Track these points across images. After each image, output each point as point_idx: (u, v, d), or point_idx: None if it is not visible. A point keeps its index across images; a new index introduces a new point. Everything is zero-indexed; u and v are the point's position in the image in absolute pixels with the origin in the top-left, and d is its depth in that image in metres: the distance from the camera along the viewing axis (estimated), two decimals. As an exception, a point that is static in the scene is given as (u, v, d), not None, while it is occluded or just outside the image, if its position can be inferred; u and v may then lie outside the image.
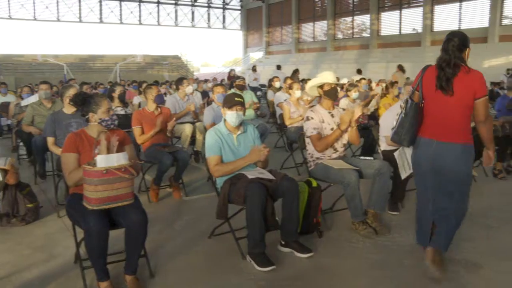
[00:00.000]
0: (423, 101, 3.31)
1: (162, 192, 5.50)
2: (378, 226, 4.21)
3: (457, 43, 3.26)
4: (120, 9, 36.50)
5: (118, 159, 2.95)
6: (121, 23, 36.98)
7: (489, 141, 3.35)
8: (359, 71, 18.60)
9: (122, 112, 6.55)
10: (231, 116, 3.89)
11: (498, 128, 6.49)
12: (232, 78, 12.99)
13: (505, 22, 24.15)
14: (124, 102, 7.02)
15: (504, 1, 23.70)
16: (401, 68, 14.88)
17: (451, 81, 3.17)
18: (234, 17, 42.10)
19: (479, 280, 3.39)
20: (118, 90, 6.89)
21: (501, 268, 3.56)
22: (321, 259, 3.68)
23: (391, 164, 4.53)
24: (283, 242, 3.79)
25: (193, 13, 40.04)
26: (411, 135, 3.33)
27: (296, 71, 15.95)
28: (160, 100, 5.66)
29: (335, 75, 4.62)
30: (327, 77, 4.47)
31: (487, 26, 24.04)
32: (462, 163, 3.24)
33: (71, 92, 5.23)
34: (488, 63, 22.05)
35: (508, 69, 18.04)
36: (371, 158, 4.71)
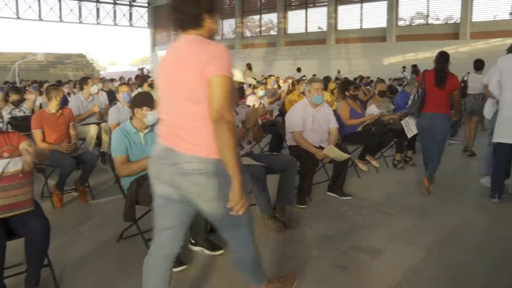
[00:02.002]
0: (425, 91, 5.42)
1: (68, 196, 5.28)
2: (287, 220, 4.32)
3: (445, 58, 5.38)
4: (17, 3, 34.25)
5: (14, 164, 2.78)
6: (18, 18, 34.75)
7: (458, 110, 5.97)
8: (298, 70, 19.05)
9: (21, 114, 6.20)
10: (154, 116, 3.80)
11: (396, 122, 6.90)
12: (140, 77, 12.71)
13: (401, 23, 25.85)
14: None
15: (399, 4, 25.32)
16: (249, 67, 15.45)
17: (445, 81, 5.31)
18: (141, 15, 41.19)
19: (381, 264, 3.59)
20: None
21: (401, 252, 3.80)
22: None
23: (298, 159, 4.67)
24: (193, 241, 3.79)
25: (98, 9, 38.66)
26: (419, 109, 5.50)
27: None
28: (62, 102, 5.41)
29: (239, 73, 4.66)
30: (236, 75, 4.50)
31: (385, 26, 25.52)
32: (446, 123, 5.46)
33: None
34: (387, 60, 23.42)
35: (404, 67, 19.20)
36: (279, 153, 4.81)
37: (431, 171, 5.56)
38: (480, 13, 22.73)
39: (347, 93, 6.62)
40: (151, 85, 8.16)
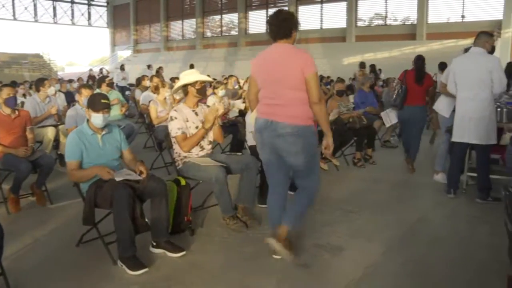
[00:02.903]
0: (407, 87, 6.50)
1: (24, 201, 5.11)
2: (248, 220, 4.33)
3: (422, 60, 6.56)
4: (-35, 0, 32.87)
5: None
6: (-33, 15, 33.32)
7: (432, 103, 6.60)
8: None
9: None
10: (97, 118, 3.75)
11: (355, 120, 7.02)
12: (93, 78, 12.49)
13: (360, 24, 26.32)
14: None
15: (358, 5, 25.77)
16: (158, 71, 15.60)
17: (423, 79, 6.47)
18: (100, 14, 40.38)
19: (342, 261, 3.67)
20: None
21: (362, 249, 3.90)
22: (194, 257, 3.70)
23: (259, 158, 4.68)
24: (154, 243, 3.75)
25: (54, 8, 37.55)
26: (402, 102, 6.56)
27: (159, 69, 15.80)
28: (11, 103, 5.15)
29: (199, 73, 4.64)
30: (197, 75, 4.47)
31: (345, 27, 25.92)
32: (424, 113, 6.68)
33: None
34: (347, 60, 23.75)
35: (363, 67, 19.48)
36: (240, 153, 4.82)
37: (414, 153, 6.79)
38: (435, 15, 23.41)
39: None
40: (109, 85, 8.00)
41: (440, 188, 5.64)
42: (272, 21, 3.47)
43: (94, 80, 16.94)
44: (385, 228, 4.38)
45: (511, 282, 2.87)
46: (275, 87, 3.41)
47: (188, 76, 4.42)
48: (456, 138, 5.23)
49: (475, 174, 5.34)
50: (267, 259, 3.65)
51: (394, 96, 6.73)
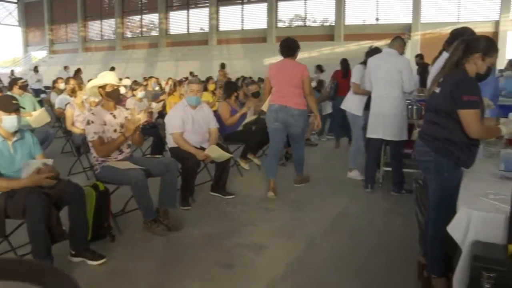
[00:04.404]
0: (338, 82, 8.33)
1: None
2: (171, 223, 4.28)
3: (347, 62, 8.50)
4: None
5: None
6: None
7: None
8: (191, 73, 18.83)
9: None
10: (11, 120, 3.48)
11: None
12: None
13: (280, 25, 26.86)
14: None
15: (278, 7, 26.31)
16: (76, 73, 15.52)
17: (348, 75, 7.57)
18: (10, 11, 38.17)
19: (265, 259, 3.75)
20: None
21: (285, 246, 4.00)
22: (115, 264, 3.61)
23: (179, 160, 4.66)
24: (73, 252, 3.61)
25: (-50, 1, 34.92)
26: (335, 94, 8.28)
27: (78, 71, 15.29)
28: None
29: (117, 76, 4.54)
30: (109, 78, 4.35)
31: (266, 27, 26.35)
32: None
33: None
34: (268, 60, 24.01)
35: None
36: (160, 155, 4.75)
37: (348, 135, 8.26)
38: (352, 17, 24.38)
39: (235, 94, 6.79)
40: (22, 88, 7.59)
41: (358, 183, 5.90)
42: (283, 45, 5.46)
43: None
44: (307, 224, 4.51)
45: (420, 266, 3.19)
46: (284, 85, 5.29)
47: (100, 78, 4.32)
48: (371, 134, 5.49)
49: (389, 169, 5.63)
50: (190, 262, 3.66)
51: (328, 90, 8.77)
